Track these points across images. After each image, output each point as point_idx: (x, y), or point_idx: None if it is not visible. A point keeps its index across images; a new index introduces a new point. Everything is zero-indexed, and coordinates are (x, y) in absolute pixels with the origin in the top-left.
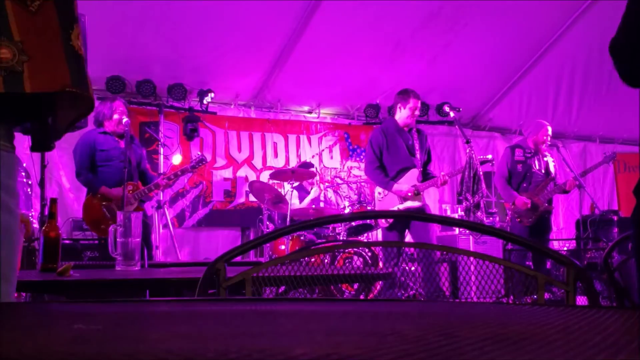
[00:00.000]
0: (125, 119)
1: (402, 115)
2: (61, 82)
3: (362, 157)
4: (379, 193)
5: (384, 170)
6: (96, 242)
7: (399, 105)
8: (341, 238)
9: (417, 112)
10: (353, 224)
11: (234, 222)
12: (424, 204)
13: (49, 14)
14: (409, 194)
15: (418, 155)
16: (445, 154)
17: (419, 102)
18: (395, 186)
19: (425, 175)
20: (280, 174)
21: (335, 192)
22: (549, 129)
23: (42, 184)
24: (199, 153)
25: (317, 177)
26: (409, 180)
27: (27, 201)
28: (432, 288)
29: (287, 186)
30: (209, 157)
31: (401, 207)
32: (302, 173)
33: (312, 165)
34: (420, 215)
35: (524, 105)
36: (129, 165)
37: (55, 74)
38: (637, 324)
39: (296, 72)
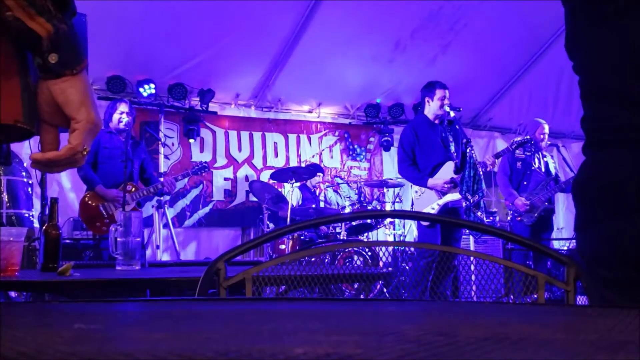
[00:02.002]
0: (125, 119)
1: (431, 108)
2: (14, 116)
3: (362, 156)
4: (416, 192)
5: (418, 167)
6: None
7: (426, 99)
8: (341, 237)
9: (446, 101)
10: (353, 223)
11: (234, 221)
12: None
13: (5, 46)
14: (445, 186)
15: (453, 147)
16: None
17: (446, 90)
18: (430, 181)
19: (459, 168)
20: (281, 174)
21: (336, 191)
22: (546, 127)
23: (42, 183)
24: (206, 162)
25: (320, 178)
26: (445, 174)
27: (27, 201)
28: (438, 290)
29: (287, 186)
30: (209, 157)
31: (440, 202)
32: (304, 173)
33: (320, 169)
34: (420, 213)
35: (524, 104)
36: (131, 165)
37: (9, 106)
38: (637, 323)
39: (296, 71)
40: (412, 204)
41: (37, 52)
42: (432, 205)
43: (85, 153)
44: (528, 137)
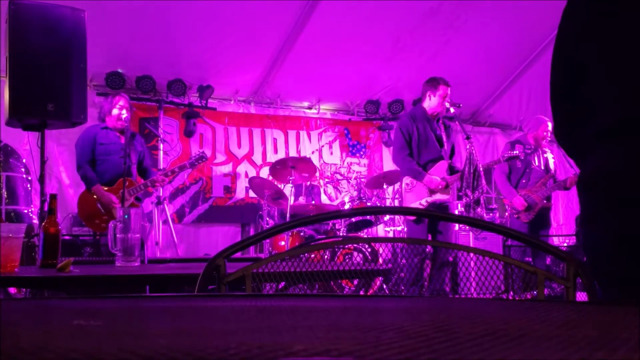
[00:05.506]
0: (125, 114)
1: (431, 103)
2: None
3: (361, 152)
4: (407, 184)
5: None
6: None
7: (428, 93)
8: (341, 234)
9: (447, 100)
10: (353, 220)
11: (233, 218)
12: (450, 199)
13: None
14: (440, 187)
15: (446, 147)
16: None
17: (449, 89)
18: (427, 177)
19: (452, 169)
20: (279, 169)
21: (335, 188)
22: (549, 124)
23: (41, 179)
24: (200, 150)
25: (317, 173)
26: (438, 172)
27: (26, 197)
28: (436, 286)
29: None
30: (208, 153)
31: (429, 199)
32: (302, 167)
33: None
34: (419, 211)
35: (524, 101)
36: (130, 161)
37: None
38: (637, 320)
39: (296, 68)
40: (401, 197)
41: None
42: (420, 201)
43: None
44: (516, 152)
